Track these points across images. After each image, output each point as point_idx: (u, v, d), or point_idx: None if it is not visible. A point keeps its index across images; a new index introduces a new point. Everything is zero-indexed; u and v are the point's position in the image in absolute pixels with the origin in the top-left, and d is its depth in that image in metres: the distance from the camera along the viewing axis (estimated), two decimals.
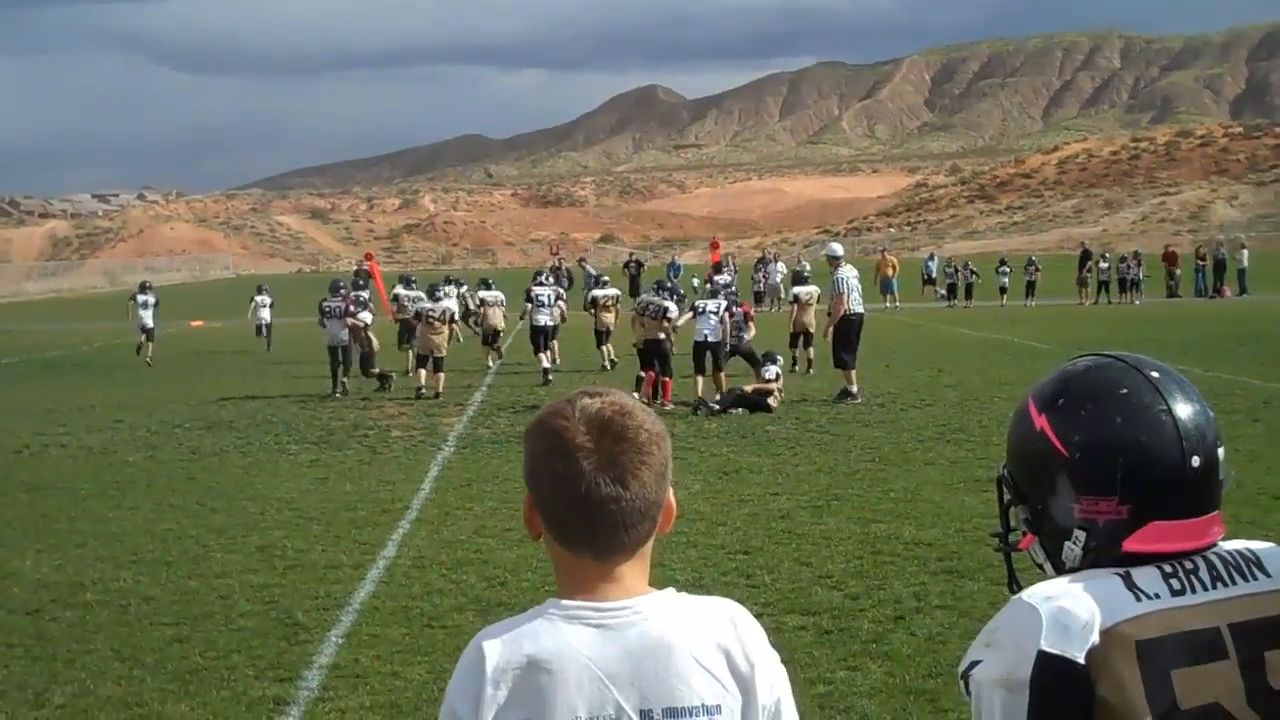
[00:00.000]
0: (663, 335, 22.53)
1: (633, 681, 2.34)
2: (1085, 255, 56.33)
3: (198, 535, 13.09)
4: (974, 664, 2.43)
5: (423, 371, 25.12)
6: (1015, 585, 2.58)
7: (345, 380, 25.80)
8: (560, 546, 2.43)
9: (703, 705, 2.34)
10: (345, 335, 25.98)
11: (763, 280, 54.85)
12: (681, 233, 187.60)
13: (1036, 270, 54.15)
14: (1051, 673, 2.29)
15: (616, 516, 2.36)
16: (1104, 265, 54.50)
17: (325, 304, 26.53)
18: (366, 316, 27.18)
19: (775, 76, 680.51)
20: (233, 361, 34.87)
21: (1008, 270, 54.36)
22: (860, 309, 23.27)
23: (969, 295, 53.88)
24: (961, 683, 2.46)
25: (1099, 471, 2.42)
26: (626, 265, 58.41)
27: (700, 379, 22.20)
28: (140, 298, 35.41)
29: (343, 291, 27.02)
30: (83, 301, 54.90)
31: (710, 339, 22.29)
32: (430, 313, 25.78)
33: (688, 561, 11.29)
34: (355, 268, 51.91)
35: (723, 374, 22.47)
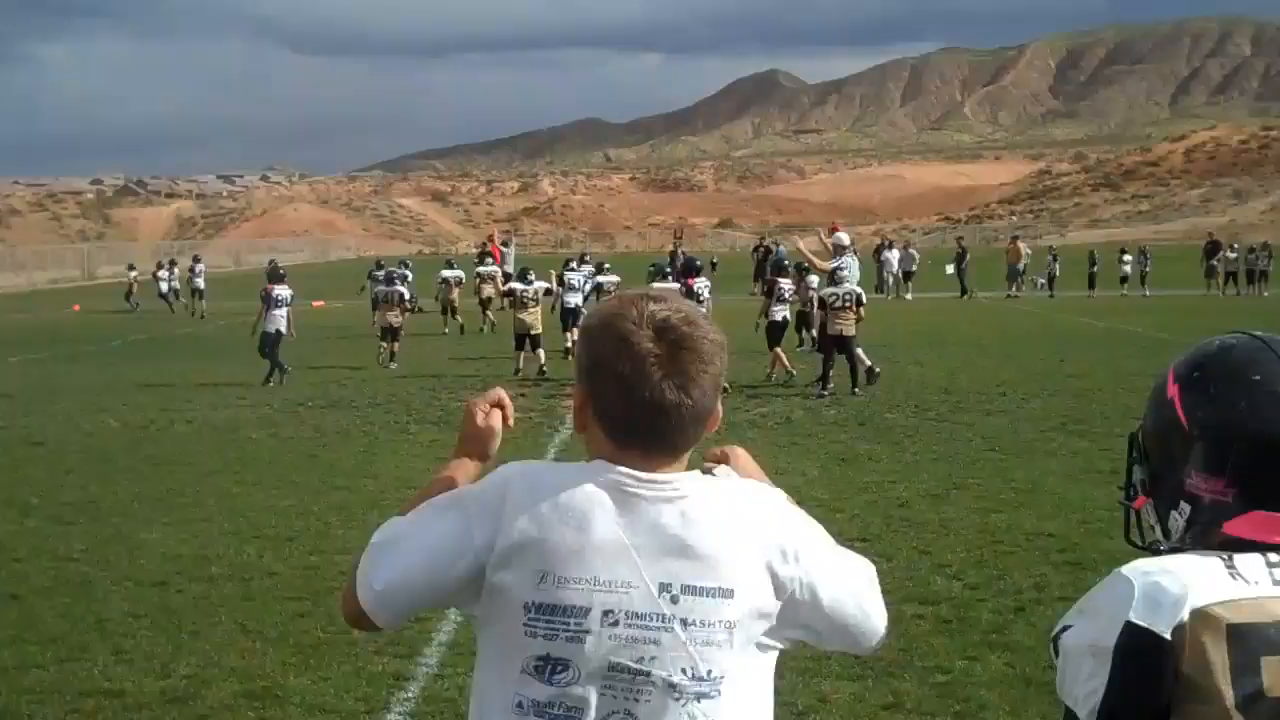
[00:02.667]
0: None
1: (658, 554, 2.38)
2: (1213, 246, 55.14)
3: (319, 512, 13.26)
4: (1065, 628, 2.46)
5: (520, 353, 25.59)
6: (1129, 537, 2.64)
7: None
8: (609, 441, 2.48)
9: (719, 588, 2.37)
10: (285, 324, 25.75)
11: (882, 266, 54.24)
12: (800, 218, 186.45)
13: (1148, 260, 53.23)
14: (1136, 644, 2.31)
15: (675, 422, 2.43)
16: (1232, 256, 53.41)
17: (273, 292, 25.76)
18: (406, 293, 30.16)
19: (898, 62, 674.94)
20: (354, 341, 35.22)
21: (1130, 260, 53.31)
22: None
23: (1051, 285, 52.62)
24: (1051, 646, 2.50)
25: (1214, 451, 2.42)
26: (755, 250, 58.00)
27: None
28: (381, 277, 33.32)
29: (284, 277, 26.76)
30: (208, 281, 55.64)
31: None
32: (524, 293, 26.28)
33: None
34: (478, 249, 52.30)
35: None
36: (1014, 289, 52.13)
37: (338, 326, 40.99)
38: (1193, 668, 2.29)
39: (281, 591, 10.24)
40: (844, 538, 11.42)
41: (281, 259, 47.50)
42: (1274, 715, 2.29)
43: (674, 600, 2.39)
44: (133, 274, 56.31)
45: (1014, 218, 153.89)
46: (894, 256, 54.16)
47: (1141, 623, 2.30)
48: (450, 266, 39.91)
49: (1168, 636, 2.29)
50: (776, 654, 2.57)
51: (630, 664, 2.39)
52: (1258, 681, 2.28)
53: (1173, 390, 2.51)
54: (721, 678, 2.42)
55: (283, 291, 25.90)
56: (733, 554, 2.39)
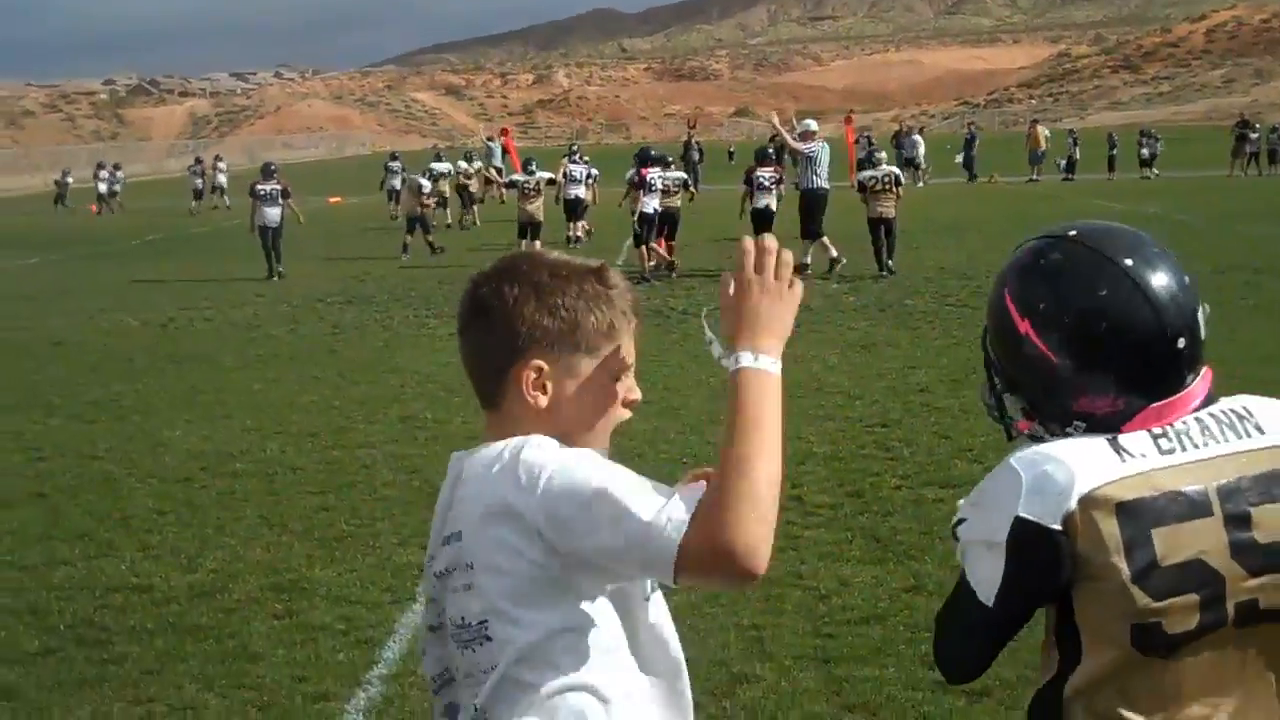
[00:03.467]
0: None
1: (443, 511, 2.48)
2: (1244, 125, 54.25)
3: (341, 407, 13.32)
4: (960, 521, 2.57)
5: (522, 242, 25.97)
6: (1010, 435, 2.71)
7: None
8: None
9: (456, 533, 2.41)
10: (276, 217, 26.49)
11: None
12: (818, 105, 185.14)
13: (1156, 142, 52.75)
14: (1027, 538, 2.39)
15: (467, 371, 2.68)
16: (1254, 136, 52.87)
17: (258, 187, 26.85)
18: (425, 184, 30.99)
19: None
20: (371, 237, 35.20)
21: (1150, 141, 52.73)
22: (825, 186, 23.89)
23: (1071, 169, 52.06)
24: (953, 537, 2.58)
25: (1092, 377, 2.47)
26: (771, 139, 57.47)
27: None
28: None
29: (274, 173, 27.50)
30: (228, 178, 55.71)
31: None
32: (527, 184, 27.09)
33: (825, 434, 11.26)
34: (487, 139, 52.09)
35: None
36: (1035, 173, 51.78)
37: (354, 221, 40.97)
38: (1087, 549, 2.36)
39: (305, 486, 10.30)
40: (863, 424, 11.51)
41: (296, 155, 48.08)
42: (1168, 584, 2.36)
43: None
44: (68, 179, 57.56)
45: (1033, 101, 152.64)
46: (917, 142, 53.62)
47: (1030, 517, 2.37)
48: (439, 159, 41.20)
49: (1057, 527, 2.36)
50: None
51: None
52: (1150, 553, 2.36)
53: (1024, 327, 2.52)
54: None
55: (264, 186, 26.65)
56: (468, 500, 2.43)
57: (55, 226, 45.42)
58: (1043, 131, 54.65)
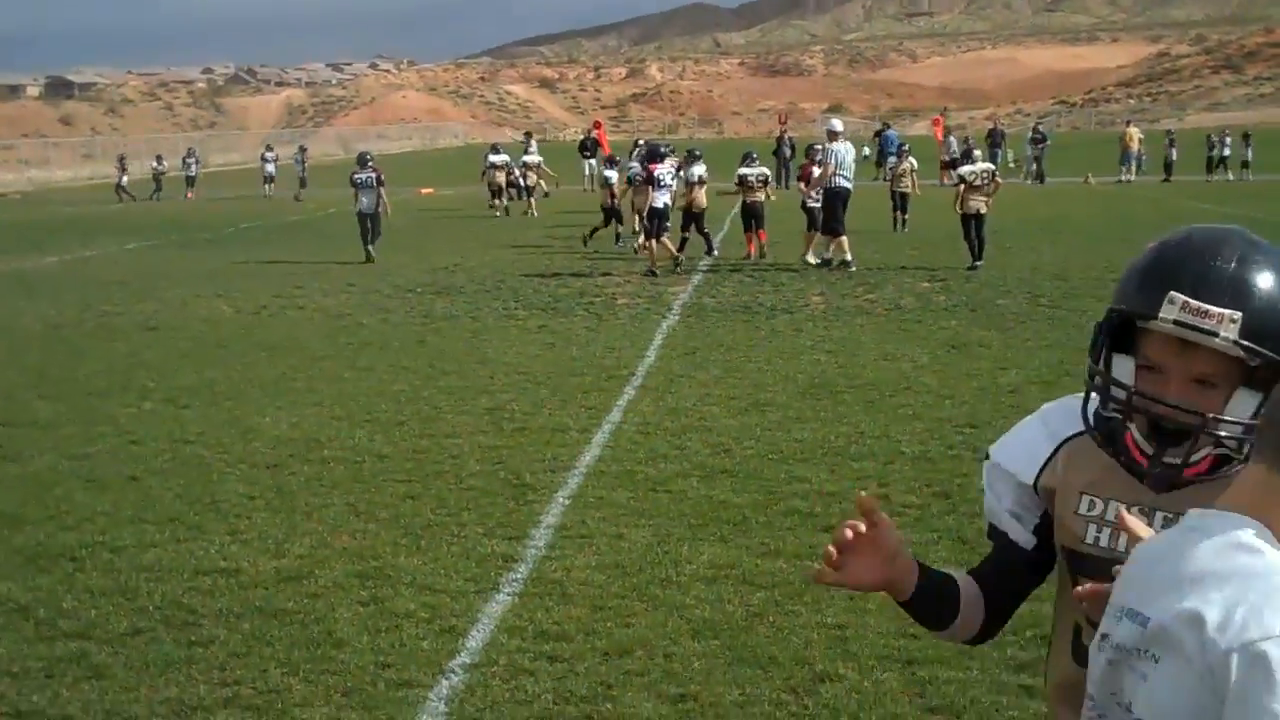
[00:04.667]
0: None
1: (1151, 560, 2.05)
2: None
3: (429, 397, 13.39)
4: None
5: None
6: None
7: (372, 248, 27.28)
8: None
9: (1143, 616, 1.97)
10: (372, 204, 27.61)
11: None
12: (911, 103, 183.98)
13: (1225, 145, 52.08)
14: None
15: None
16: None
17: (355, 176, 28.13)
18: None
19: None
20: (462, 228, 35.37)
21: (1231, 143, 52.02)
22: (847, 184, 24.34)
23: (1168, 170, 51.28)
24: None
25: None
26: (877, 134, 57.14)
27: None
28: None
29: (369, 162, 28.69)
30: (318, 168, 56.13)
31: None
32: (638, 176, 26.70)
33: (914, 434, 11.19)
34: (582, 136, 52.24)
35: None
36: (1126, 174, 51.16)
37: (446, 212, 41.20)
38: None
39: (392, 474, 10.37)
40: (952, 424, 11.41)
41: (390, 146, 48.64)
42: None
43: None
44: (163, 165, 57.92)
45: (1131, 101, 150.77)
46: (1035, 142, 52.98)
47: None
48: (496, 151, 41.90)
49: None
50: None
51: None
52: None
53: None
54: None
55: (361, 174, 27.92)
56: None
57: (152, 212, 46.01)
58: (1134, 132, 54.01)
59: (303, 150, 59.05)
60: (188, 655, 6.84)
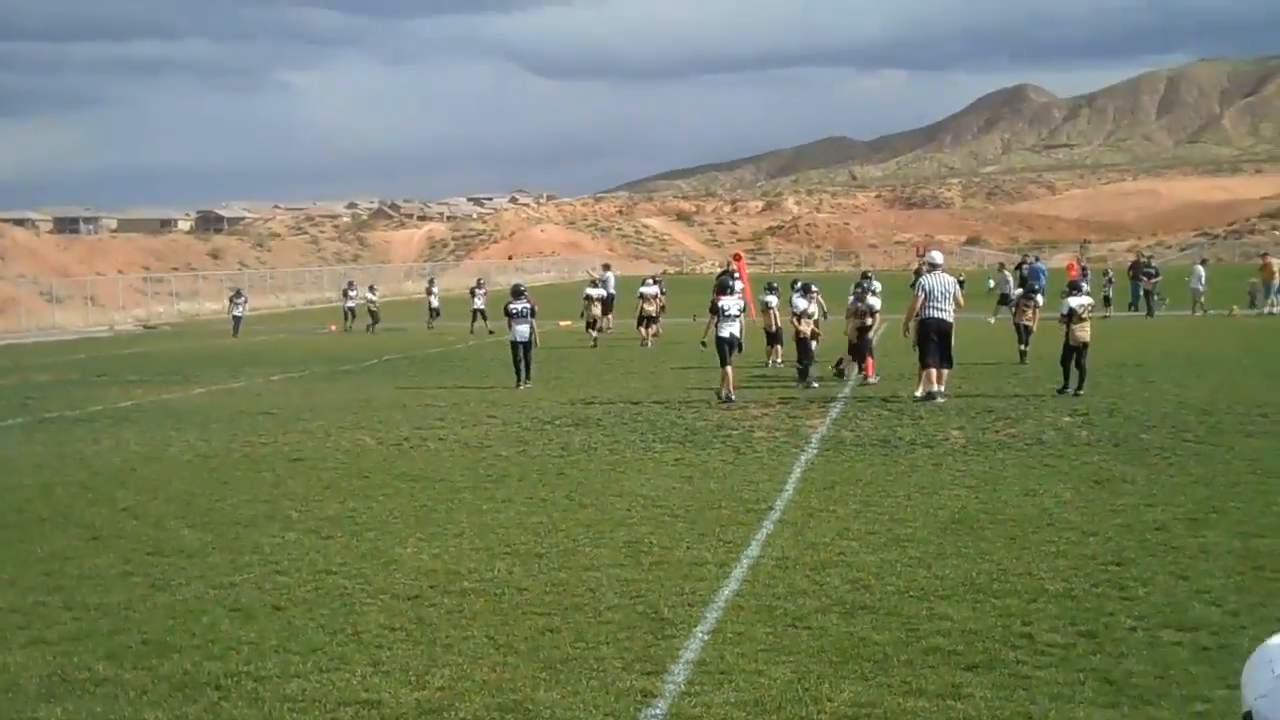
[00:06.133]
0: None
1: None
2: None
3: (567, 529, 13.44)
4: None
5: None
6: None
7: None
8: None
9: None
10: (526, 333, 28.74)
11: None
12: (1051, 235, 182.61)
13: None
14: None
15: None
16: None
17: (510, 306, 29.31)
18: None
19: (1152, 73, 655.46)
20: (599, 361, 35.62)
21: None
22: (936, 314, 23.97)
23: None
24: None
25: None
26: (1019, 266, 57.11)
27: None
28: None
29: (523, 293, 29.88)
30: (458, 301, 56.96)
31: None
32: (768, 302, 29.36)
33: (1057, 571, 11.01)
34: (721, 269, 52.59)
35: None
36: (1269, 307, 50.37)
37: (584, 344, 41.52)
38: None
39: (531, 606, 10.40)
40: (1097, 561, 11.20)
41: (528, 279, 49.64)
42: None
43: None
44: (353, 294, 58.47)
45: (1276, 232, 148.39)
46: (1200, 273, 52.35)
47: None
48: (594, 285, 44.77)
49: None
50: None
51: None
52: None
53: None
54: None
55: (515, 305, 29.10)
56: None
57: (298, 344, 46.98)
58: (1276, 264, 53.21)
59: (432, 282, 60.33)
60: None
